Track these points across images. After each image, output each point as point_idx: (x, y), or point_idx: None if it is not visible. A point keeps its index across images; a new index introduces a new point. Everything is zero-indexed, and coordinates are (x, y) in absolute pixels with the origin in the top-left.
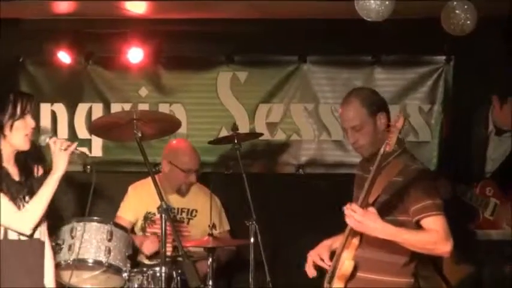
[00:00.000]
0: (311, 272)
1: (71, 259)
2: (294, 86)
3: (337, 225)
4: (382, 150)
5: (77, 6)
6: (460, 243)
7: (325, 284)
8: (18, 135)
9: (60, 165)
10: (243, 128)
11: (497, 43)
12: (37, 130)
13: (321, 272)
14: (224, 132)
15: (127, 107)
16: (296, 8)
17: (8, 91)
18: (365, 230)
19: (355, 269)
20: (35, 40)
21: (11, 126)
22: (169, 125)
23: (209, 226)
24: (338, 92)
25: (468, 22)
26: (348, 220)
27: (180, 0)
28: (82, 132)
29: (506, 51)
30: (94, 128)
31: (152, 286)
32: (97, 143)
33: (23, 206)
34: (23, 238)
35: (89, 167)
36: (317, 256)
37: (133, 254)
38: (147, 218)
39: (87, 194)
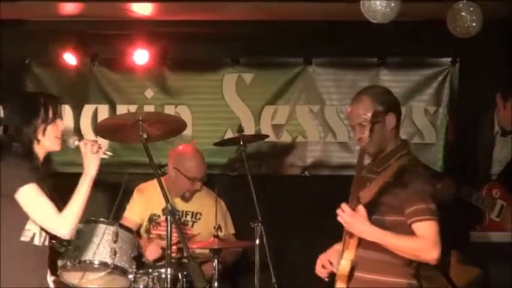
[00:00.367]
0: (323, 274)
1: (77, 260)
2: (300, 87)
3: (342, 227)
4: (359, 146)
5: (83, 8)
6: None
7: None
8: (51, 138)
9: (91, 167)
10: (249, 130)
11: (502, 45)
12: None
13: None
14: (230, 134)
15: (133, 108)
16: (301, 10)
17: (28, 93)
18: (353, 231)
19: (356, 269)
20: (41, 41)
21: (44, 130)
22: (175, 127)
23: (215, 228)
24: (343, 93)
25: (474, 24)
26: (339, 220)
27: (185, 2)
28: (88, 134)
29: (510, 53)
30: (100, 129)
31: (158, 287)
32: (102, 145)
33: None
34: (46, 244)
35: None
36: (326, 260)
37: (138, 255)
38: (152, 220)
39: (93, 196)
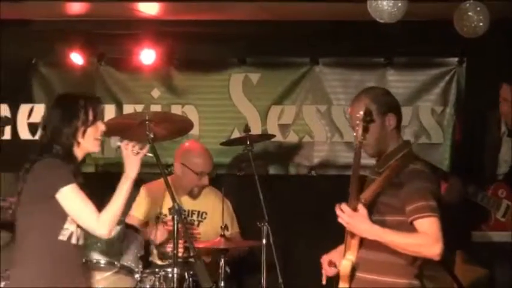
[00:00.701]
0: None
1: (84, 260)
2: (306, 87)
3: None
4: (354, 145)
5: (90, 8)
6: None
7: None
8: (90, 140)
9: (133, 169)
10: (255, 130)
11: (509, 45)
12: None
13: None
14: (236, 134)
15: (139, 108)
16: (309, 10)
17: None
18: (354, 231)
19: (358, 269)
20: (48, 41)
21: (84, 132)
22: (182, 126)
23: (221, 227)
24: (350, 93)
25: (481, 24)
26: (339, 220)
27: (192, 2)
28: None
29: None
30: (106, 129)
31: (164, 287)
32: (143, 146)
33: None
34: (80, 243)
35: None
36: (328, 262)
37: (145, 255)
38: (159, 219)
39: (100, 196)
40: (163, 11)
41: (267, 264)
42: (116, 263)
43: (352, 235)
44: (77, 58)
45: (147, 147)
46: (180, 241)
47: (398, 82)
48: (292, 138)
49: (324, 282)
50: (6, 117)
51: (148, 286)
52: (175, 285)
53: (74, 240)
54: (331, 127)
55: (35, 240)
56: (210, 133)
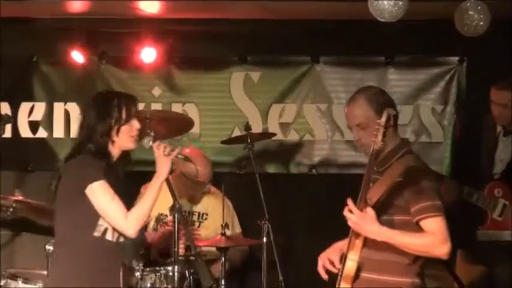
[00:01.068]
0: (323, 274)
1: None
2: (307, 86)
3: (349, 228)
4: (371, 148)
5: (91, 6)
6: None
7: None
8: (125, 138)
9: (163, 170)
10: (256, 128)
11: (510, 44)
12: None
13: (333, 273)
14: (237, 132)
15: (140, 106)
16: (309, 9)
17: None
18: (362, 232)
19: (360, 269)
20: (49, 39)
21: (118, 130)
22: (182, 125)
23: (222, 226)
24: (351, 92)
25: (481, 23)
26: (348, 221)
27: (193, 0)
28: None
29: None
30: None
31: (165, 285)
32: (175, 147)
33: None
34: (120, 240)
35: None
36: (326, 259)
37: (145, 253)
38: (159, 220)
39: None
40: (164, 9)
41: (267, 263)
42: None
43: (357, 235)
44: (77, 56)
45: (179, 148)
46: (181, 241)
47: (398, 81)
48: (292, 136)
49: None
50: (6, 115)
51: (149, 284)
52: (176, 284)
53: (109, 237)
54: (331, 126)
55: (71, 237)
56: (211, 131)
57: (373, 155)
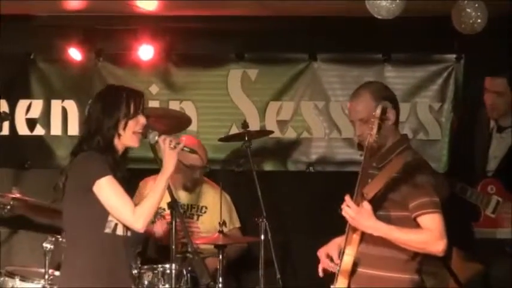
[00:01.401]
0: (320, 271)
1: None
2: (305, 83)
3: (346, 223)
4: (367, 142)
5: (88, 3)
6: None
7: (334, 283)
8: (130, 133)
9: (170, 164)
10: (254, 126)
11: (507, 41)
12: None
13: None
14: (234, 130)
15: None
16: (307, 6)
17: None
18: (358, 226)
19: (357, 264)
20: (46, 37)
21: (125, 125)
22: (180, 122)
23: (219, 223)
24: (348, 89)
25: (479, 21)
26: (344, 214)
27: None
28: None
29: None
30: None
31: (162, 283)
32: (180, 140)
33: None
34: (128, 234)
35: None
36: (324, 254)
37: (143, 251)
38: (157, 214)
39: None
40: (162, 6)
41: (265, 260)
42: None
43: (354, 230)
44: (75, 54)
45: (183, 142)
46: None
47: (396, 78)
48: (290, 134)
49: (321, 275)
50: (4, 112)
51: (146, 282)
52: (173, 281)
53: (119, 232)
54: (329, 123)
55: (81, 234)
56: (208, 129)
57: (368, 149)
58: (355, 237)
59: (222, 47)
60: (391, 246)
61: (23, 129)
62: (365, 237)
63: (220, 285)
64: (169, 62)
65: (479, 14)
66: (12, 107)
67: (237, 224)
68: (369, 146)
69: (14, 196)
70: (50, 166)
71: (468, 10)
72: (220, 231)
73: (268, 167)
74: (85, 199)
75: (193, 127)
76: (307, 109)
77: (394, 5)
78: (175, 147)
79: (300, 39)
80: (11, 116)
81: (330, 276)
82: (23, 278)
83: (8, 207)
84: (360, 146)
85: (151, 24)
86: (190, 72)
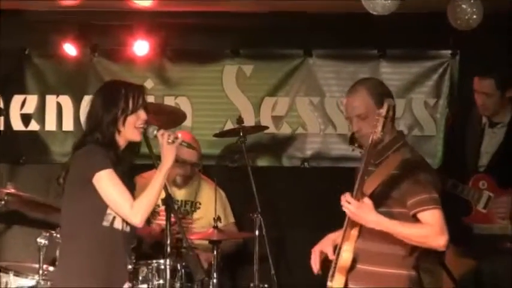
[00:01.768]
0: (316, 268)
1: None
2: (300, 79)
3: (342, 219)
4: (370, 139)
5: None
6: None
7: (329, 278)
8: (130, 129)
9: (168, 158)
10: (249, 121)
11: (502, 38)
12: None
13: (326, 267)
14: (229, 125)
15: None
16: (302, 2)
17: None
18: (360, 221)
19: (355, 260)
20: (41, 32)
21: (124, 120)
22: (175, 118)
23: (214, 219)
24: (343, 85)
25: (474, 16)
26: (345, 210)
27: None
28: None
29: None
30: None
31: (157, 278)
32: (178, 135)
33: None
34: (126, 229)
35: None
36: (319, 252)
37: (138, 246)
38: (152, 210)
39: None
40: (157, 2)
41: (259, 256)
42: None
43: (353, 226)
44: (70, 49)
45: (188, 136)
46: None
47: (391, 74)
48: (285, 130)
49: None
50: None
51: (140, 277)
52: (167, 277)
53: (117, 225)
54: (324, 119)
55: (79, 226)
56: (203, 125)
57: (372, 146)
58: (353, 233)
59: (217, 42)
60: (389, 242)
61: (17, 125)
62: (362, 233)
63: (214, 280)
64: (164, 58)
65: (474, 10)
66: (7, 102)
67: (232, 220)
68: (373, 143)
69: (8, 191)
70: (45, 161)
71: (464, 6)
72: (215, 227)
73: (263, 162)
74: (85, 191)
75: (188, 122)
76: (302, 105)
77: (389, 1)
78: (173, 142)
79: (295, 35)
80: (5, 112)
81: (325, 272)
82: (17, 274)
83: (3, 202)
84: (352, 141)
85: (147, 19)
86: (186, 67)
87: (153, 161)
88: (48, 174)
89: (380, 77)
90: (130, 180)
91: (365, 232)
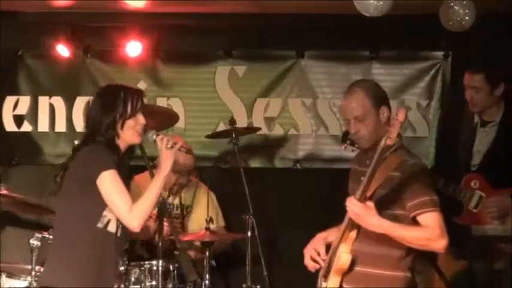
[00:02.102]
0: (311, 265)
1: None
2: (292, 80)
3: (334, 220)
4: (382, 143)
5: (76, 0)
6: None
7: (320, 279)
8: (129, 132)
9: (167, 163)
10: (241, 123)
11: (495, 39)
12: None
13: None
14: (222, 127)
15: None
16: (294, 3)
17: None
18: (362, 223)
19: (352, 262)
20: (34, 33)
21: (122, 124)
22: (167, 119)
23: (206, 220)
24: (336, 87)
25: (467, 18)
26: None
27: None
28: (80, 126)
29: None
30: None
31: (149, 280)
32: (177, 140)
33: None
34: (119, 234)
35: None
36: (313, 250)
37: (130, 247)
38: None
39: None
40: (150, 3)
41: (251, 257)
42: None
43: (351, 228)
44: (63, 50)
45: (181, 142)
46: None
47: (383, 76)
48: (277, 131)
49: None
50: None
51: (133, 279)
52: (160, 278)
53: (111, 229)
54: (316, 120)
55: (73, 226)
56: (196, 126)
57: (383, 150)
58: (352, 235)
59: (210, 44)
60: (385, 244)
61: (10, 126)
62: (360, 235)
63: (207, 282)
64: (157, 59)
65: (467, 11)
66: (0, 103)
67: (222, 224)
68: (384, 148)
69: (0, 192)
70: (38, 162)
71: (456, 8)
72: (207, 228)
73: (255, 163)
74: (83, 191)
75: (180, 124)
76: (295, 106)
77: (381, 3)
78: (172, 147)
79: (287, 36)
80: None
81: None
82: (10, 275)
83: None
84: (344, 139)
85: (139, 21)
86: (178, 69)
87: (145, 163)
88: (41, 175)
89: (372, 79)
90: (127, 183)
91: (361, 234)
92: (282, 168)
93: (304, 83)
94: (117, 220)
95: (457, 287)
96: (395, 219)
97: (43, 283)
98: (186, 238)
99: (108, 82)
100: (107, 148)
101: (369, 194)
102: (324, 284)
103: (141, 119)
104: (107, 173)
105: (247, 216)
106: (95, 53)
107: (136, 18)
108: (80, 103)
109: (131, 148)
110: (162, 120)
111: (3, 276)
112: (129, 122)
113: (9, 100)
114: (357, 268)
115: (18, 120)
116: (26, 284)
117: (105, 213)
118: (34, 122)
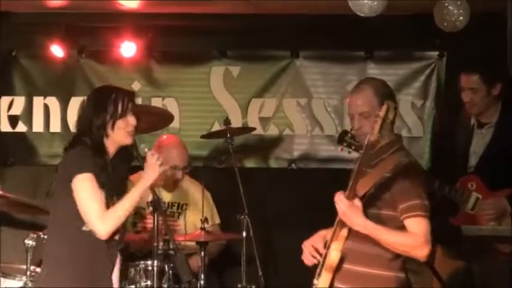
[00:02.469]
0: (309, 260)
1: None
2: (287, 80)
3: (329, 220)
4: (367, 139)
5: (70, 0)
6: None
7: (316, 277)
8: (120, 133)
9: (150, 176)
10: (236, 123)
11: (489, 38)
12: None
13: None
14: (217, 127)
15: None
16: (289, 3)
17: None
18: (347, 222)
19: (343, 260)
20: (28, 34)
21: (113, 125)
22: (162, 119)
23: (201, 220)
24: (331, 87)
25: (461, 18)
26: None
27: None
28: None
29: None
30: None
31: (144, 279)
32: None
33: (112, 204)
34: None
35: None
36: (311, 246)
37: (125, 248)
38: (138, 213)
39: None
40: (144, 3)
41: (247, 257)
42: None
43: (342, 226)
44: (57, 50)
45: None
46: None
47: (378, 76)
48: (272, 131)
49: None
50: None
51: (128, 279)
52: (155, 278)
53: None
54: (311, 120)
55: (60, 228)
56: (191, 126)
57: (368, 146)
58: (343, 233)
59: (205, 44)
60: (377, 244)
61: (5, 126)
62: (352, 234)
63: (202, 282)
64: (151, 59)
65: (461, 11)
66: None
67: (217, 221)
68: (369, 143)
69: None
70: (32, 163)
71: (450, 8)
72: (202, 228)
73: (250, 163)
74: (66, 193)
75: (175, 124)
76: (290, 106)
77: (376, 3)
78: (160, 164)
79: (282, 36)
80: None
81: (312, 272)
82: (5, 275)
83: None
84: (340, 140)
85: (134, 21)
86: (173, 69)
87: (139, 163)
88: (36, 175)
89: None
90: (123, 186)
91: (354, 232)
92: (277, 168)
93: (299, 83)
94: None
95: None
96: (384, 220)
97: (39, 284)
98: (181, 238)
99: (102, 82)
100: (92, 150)
101: (362, 193)
102: (315, 282)
103: (131, 120)
104: (80, 176)
105: (242, 216)
106: (89, 53)
107: (130, 19)
108: (75, 103)
109: (127, 153)
110: (157, 120)
111: None
112: (120, 123)
113: (4, 100)
114: (349, 267)
115: (13, 120)
116: (21, 284)
117: None
118: (29, 122)
